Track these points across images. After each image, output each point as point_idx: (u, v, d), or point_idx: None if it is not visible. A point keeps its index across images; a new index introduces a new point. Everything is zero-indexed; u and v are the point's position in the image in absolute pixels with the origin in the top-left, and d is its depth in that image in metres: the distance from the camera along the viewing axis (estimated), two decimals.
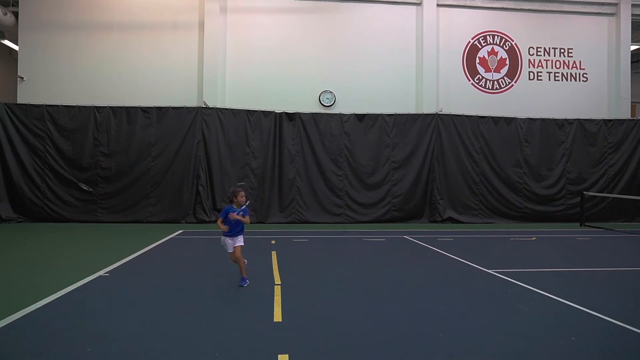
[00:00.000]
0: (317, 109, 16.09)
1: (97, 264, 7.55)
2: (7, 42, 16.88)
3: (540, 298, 5.81)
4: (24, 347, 3.96)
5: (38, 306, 5.14)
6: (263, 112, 15.41)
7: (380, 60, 16.53)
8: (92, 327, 4.49)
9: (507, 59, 17.25)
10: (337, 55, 16.38)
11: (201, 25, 15.74)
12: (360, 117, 15.81)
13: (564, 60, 17.50)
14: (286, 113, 15.48)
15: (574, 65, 17.50)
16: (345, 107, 16.11)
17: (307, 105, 15.97)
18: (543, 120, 16.53)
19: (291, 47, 16.19)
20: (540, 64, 17.38)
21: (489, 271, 7.46)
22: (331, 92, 16.26)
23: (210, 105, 15.25)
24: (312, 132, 15.57)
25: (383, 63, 16.53)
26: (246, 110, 15.34)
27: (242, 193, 6.14)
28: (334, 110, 16.10)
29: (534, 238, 12.04)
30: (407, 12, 16.80)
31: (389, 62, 16.57)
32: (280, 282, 6.46)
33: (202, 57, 15.67)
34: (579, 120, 16.67)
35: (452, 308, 5.33)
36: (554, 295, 5.88)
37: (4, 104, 14.57)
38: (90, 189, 14.52)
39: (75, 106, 14.73)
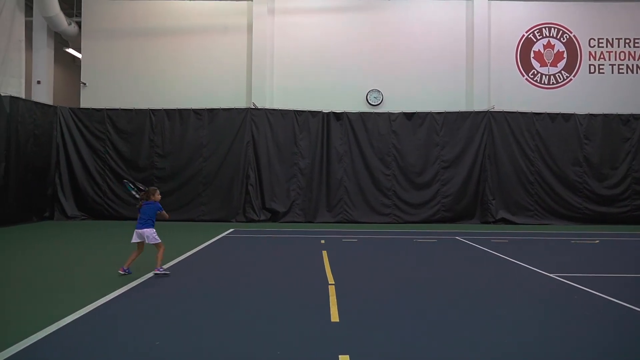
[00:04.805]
0: (365, 108, 15.99)
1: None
2: (71, 51, 17.95)
3: (610, 305, 5.45)
4: (96, 338, 4.17)
5: (103, 302, 5.38)
6: (311, 112, 15.49)
7: (429, 56, 16.20)
8: (154, 323, 4.65)
9: (565, 52, 16.40)
10: (384, 54, 16.20)
11: (249, 28, 16.05)
12: (408, 116, 15.55)
13: (629, 51, 16.41)
14: (334, 113, 15.49)
15: None
16: (393, 105, 15.90)
17: (354, 104, 15.90)
18: (605, 115, 15.58)
19: (338, 47, 16.18)
20: (602, 56, 16.40)
21: (551, 275, 7.11)
22: (378, 90, 16.10)
23: (259, 106, 15.52)
24: (360, 131, 15.48)
25: (431, 60, 16.19)
26: (294, 110, 15.49)
27: (157, 191, 7.55)
28: (382, 109, 15.93)
29: (597, 241, 11.37)
30: (456, 7, 16.35)
31: (437, 58, 16.20)
32: (333, 282, 6.45)
33: (250, 59, 15.97)
34: None
35: (515, 313, 5.10)
36: (625, 302, 5.49)
37: (69, 108, 15.51)
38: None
39: (132, 109, 15.43)
